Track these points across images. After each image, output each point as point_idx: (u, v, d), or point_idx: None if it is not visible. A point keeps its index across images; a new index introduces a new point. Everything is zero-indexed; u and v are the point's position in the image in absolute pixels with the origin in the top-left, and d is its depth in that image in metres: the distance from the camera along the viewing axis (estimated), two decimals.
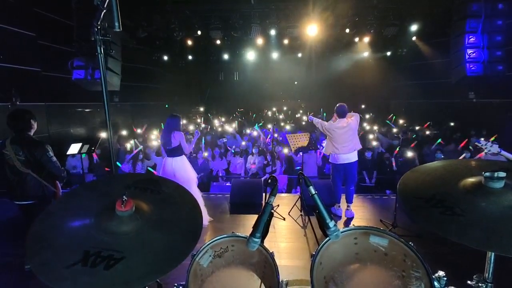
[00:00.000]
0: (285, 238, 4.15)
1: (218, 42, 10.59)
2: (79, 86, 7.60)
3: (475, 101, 9.41)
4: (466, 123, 9.24)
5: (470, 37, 7.52)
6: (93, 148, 4.75)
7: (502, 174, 0.88)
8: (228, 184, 6.97)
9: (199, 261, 1.19)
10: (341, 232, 1.20)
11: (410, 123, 11.25)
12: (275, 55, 13.08)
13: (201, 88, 16.52)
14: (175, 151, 4.09)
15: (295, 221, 4.61)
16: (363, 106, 15.10)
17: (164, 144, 4.10)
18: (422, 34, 10.24)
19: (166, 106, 13.72)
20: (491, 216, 0.87)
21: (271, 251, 1.26)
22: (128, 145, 7.97)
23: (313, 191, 1.13)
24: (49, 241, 0.89)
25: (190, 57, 13.32)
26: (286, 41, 10.99)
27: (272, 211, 4.12)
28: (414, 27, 9.61)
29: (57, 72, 7.32)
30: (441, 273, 1.10)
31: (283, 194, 6.38)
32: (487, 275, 1.11)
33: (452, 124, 10.05)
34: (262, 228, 1.11)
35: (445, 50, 9.20)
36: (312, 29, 8.60)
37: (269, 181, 1.17)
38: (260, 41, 10.27)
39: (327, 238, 1.25)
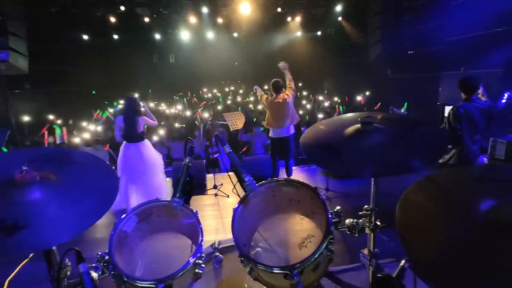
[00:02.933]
0: (230, 213, 4.31)
1: (147, 20, 9.84)
2: None
3: (391, 77, 10.73)
4: (385, 97, 10.50)
5: (383, 16, 8.40)
6: None
7: (371, 119, 1.10)
8: (169, 169, 6.79)
9: (122, 228, 1.22)
10: (257, 186, 1.34)
11: (341, 99, 12.29)
12: (210, 35, 12.73)
13: (133, 71, 15.26)
14: (141, 136, 3.93)
15: (239, 196, 4.79)
16: (300, 84, 15.89)
17: (130, 130, 3.83)
18: (346, 14, 11.06)
19: (93, 92, 12.37)
20: (364, 150, 1.09)
21: (195, 210, 1.34)
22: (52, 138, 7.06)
23: (227, 150, 1.24)
24: None
25: (115, 37, 12.09)
26: (220, 20, 10.78)
27: (216, 189, 4.19)
28: (339, 8, 10.33)
29: None
30: (338, 207, 1.33)
31: (227, 173, 6.52)
32: (372, 204, 1.38)
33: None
34: (182, 188, 1.17)
35: (365, 30, 10.15)
36: (245, 8, 8.59)
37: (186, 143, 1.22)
38: (193, 19, 9.88)
39: (247, 193, 1.39)
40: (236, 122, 5.33)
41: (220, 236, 3.69)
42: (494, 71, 6.31)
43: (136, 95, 4.05)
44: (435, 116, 7.07)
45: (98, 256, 1.15)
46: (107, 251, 1.16)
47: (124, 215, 1.25)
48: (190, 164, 1.19)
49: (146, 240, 1.32)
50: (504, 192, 1.01)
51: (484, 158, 2.72)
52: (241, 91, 16.12)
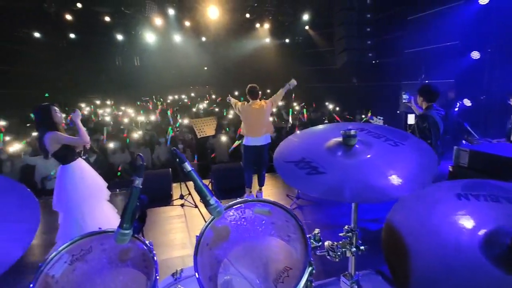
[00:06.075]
0: (197, 226, 4.01)
1: (108, 19, 9.22)
2: None
3: (357, 85, 11.15)
4: (352, 104, 10.85)
5: (347, 27, 8.73)
6: None
7: (354, 131, 0.96)
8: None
9: (48, 273, 0.94)
10: (224, 209, 1.15)
11: (307, 106, 12.49)
12: (177, 38, 12.31)
13: (93, 73, 14.26)
14: (63, 157, 3.00)
15: None
16: (268, 91, 15.98)
17: (41, 149, 2.97)
18: (313, 24, 11.35)
19: (46, 95, 11.33)
20: (347, 168, 0.95)
21: (148, 241, 1.10)
22: None
23: (189, 168, 1.03)
24: None
25: (72, 36, 11.19)
26: (188, 23, 10.46)
27: (183, 200, 3.73)
28: (306, 17, 10.56)
29: None
30: (316, 230, 1.17)
31: None
32: (353, 225, 1.24)
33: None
34: (131, 217, 0.94)
35: (331, 39, 10.49)
36: (213, 12, 8.41)
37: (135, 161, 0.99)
38: (159, 21, 9.45)
39: (212, 217, 1.18)
40: (204, 128, 5.07)
41: (187, 251, 3.39)
42: (447, 81, 6.77)
43: (46, 105, 2.97)
44: (397, 124, 7.40)
45: None
46: None
47: (49, 255, 0.97)
48: (140, 186, 0.96)
49: (85, 285, 1.05)
50: (488, 211, 0.92)
51: (449, 166, 2.80)
52: (213, 97, 15.79)
